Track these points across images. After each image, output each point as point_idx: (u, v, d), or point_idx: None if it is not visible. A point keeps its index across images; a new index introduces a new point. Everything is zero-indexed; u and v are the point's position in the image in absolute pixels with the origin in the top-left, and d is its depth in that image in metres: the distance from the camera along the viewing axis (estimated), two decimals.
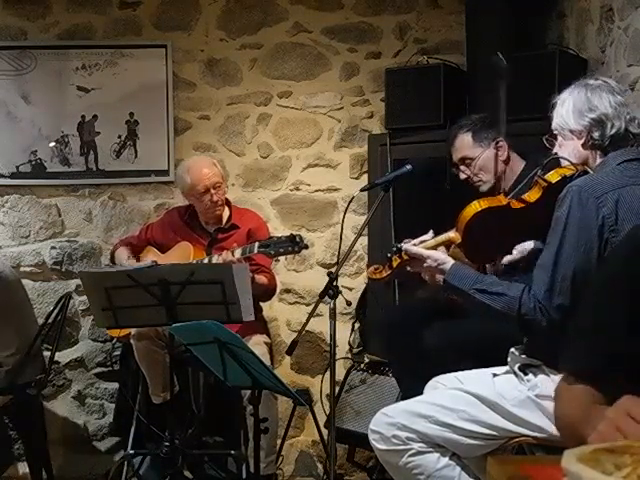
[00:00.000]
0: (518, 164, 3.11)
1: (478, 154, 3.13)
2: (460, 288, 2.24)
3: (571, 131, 2.22)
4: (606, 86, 2.22)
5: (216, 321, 2.52)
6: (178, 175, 3.88)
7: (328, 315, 3.05)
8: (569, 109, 2.22)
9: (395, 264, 2.42)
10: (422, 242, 2.41)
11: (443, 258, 2.30)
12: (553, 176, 2.22)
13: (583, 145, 2.21)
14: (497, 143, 3.12)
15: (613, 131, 2.16)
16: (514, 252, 2.44)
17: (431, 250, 2.34)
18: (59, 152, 4.30)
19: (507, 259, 2.45)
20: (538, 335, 2.16)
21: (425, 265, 2.33)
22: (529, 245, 2.43)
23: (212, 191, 3.68)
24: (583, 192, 2.03)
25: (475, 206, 2.29)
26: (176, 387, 3.36)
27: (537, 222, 2.20)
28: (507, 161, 3.12)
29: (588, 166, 2.22)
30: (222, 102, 4.37)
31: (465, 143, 3.17)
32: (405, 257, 2.38)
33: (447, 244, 2.39)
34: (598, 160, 2.20)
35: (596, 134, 2.18)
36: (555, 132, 2.28)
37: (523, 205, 2.26)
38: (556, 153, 2.29)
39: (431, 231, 2.46)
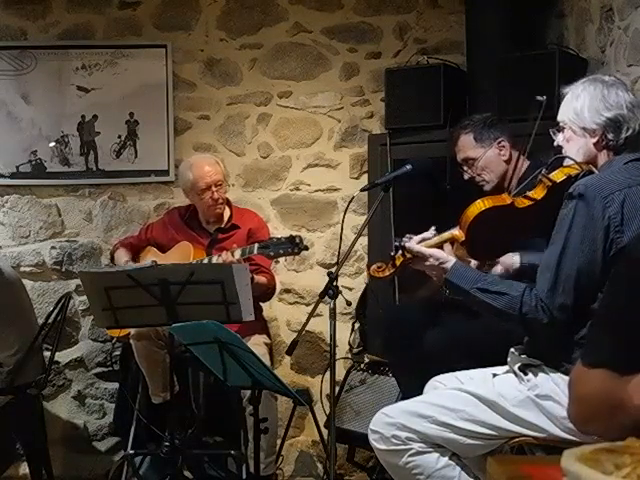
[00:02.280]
0: (522, 163, 3.11)
1: (480, 154, 3.13)
2: (461, 287, 2.24)
3: (584, 128, 2.17)
4: (621, 84, 2.18)
5: (216, 321, 2.53)
6: (180, 172, 3.89)
7: (328, 315, 3.04)
8: (584, 105, 2.16)
9: (398, 262, 2.42)
10: (423, 240, 2.40)
11: (445, 257, 2.30)
12: (558, 175, 2.22)
13: (596, 144, 2.17)
14: (499, 143, 3.12)
15: (628, 133, 2.13)
16: (498, 268, 2.44)
17: (433, 249, 2.34)
18: (59, 152, 4.30)
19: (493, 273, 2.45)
20: (539, 334, 2.15)
21: (427, 264, 2.33)
22: (511, 261, 2.43)
23: (214, 189, 3.69)
24: (590, 191, 2.01)
25: (479, 205, 2.28)
26: (176, 387, 3.36)
27: (541, 221, 2.19)
28: (509, 160, 3.12)
29: (595, 165, 2.19)
30: (222, 102, 4.37)
31: (467, 144, 3.17)
32: (408, 255, 2.38)
33: (450, 242, 2.39)
34: (603, 160, 2.18)
35: (611, 135, 2.14)
36: (563, 125, 2.24)
37: (527, 204, 2.26)
38: (559, 147, 2.26)
39: (433, 227, 2.45)
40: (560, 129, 2.26)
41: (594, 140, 2.17)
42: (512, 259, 2.52)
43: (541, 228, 2.21)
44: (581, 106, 2.17)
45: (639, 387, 1.23)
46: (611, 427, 1.33)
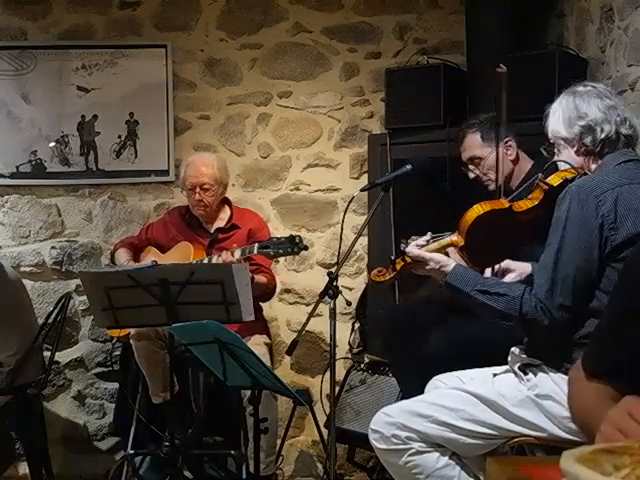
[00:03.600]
0: (526, 163, 3.12)
1: (487, 154, 3.12)
2: (461, 289, 2.24)
3: (564, 139, 2.25)
4: (594, 91, 2.24)
5: (216, 321, 2.53)
6: (180, 167, 3.98)
7: (328, 315, 3.04)
8: (559, 118, 2.25)
9: (399, 267, 2.43)
10: (419, 245, 2.41)
11: (445, 260, 2.31)
12: (554, 179, 2.24)
13: (576, 152, 2.23)
14: (506, 142, 3.11)
15: (603, 135, 2.19)
16: (512, 274, 2.44)
17: (433, 253, 2.35)
18: (59, 152, 4.30)
19: (506, 280, 2.45)
20: (539, 335, 2.16)
21: (427, 268, 2.34)
22: (527, 269, 2.43)
23: (198, 190, 3.71)
24: (582, 191, 2.05)
25: (477, 209, 2.29)
26: (176, 387, 3.36)
27: (539, 225, 2.20)
28: (516, 160, 3.12)
29: (589, 169, 2.23)
30: (222, 102, 4.37)
31: (474, 143, 3.16)
32: (408, 260, 2.39)
33: (450, 247, 2.39)
34: (594, 165, 2.22)
35: (587, 140, 2.20)
36: (551, 140, 2.31)
37: (525, 208, 2.28)
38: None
39: (429, 233, 2.46)
40: (551, 146, 2.30)
41: (574, 149, 2.24)
42: (527, 266, 2.52)
43: (539, 232, 2.22)
44: (557, 120, 2.25)
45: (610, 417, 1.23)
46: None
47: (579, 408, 1.44)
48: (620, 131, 2.19)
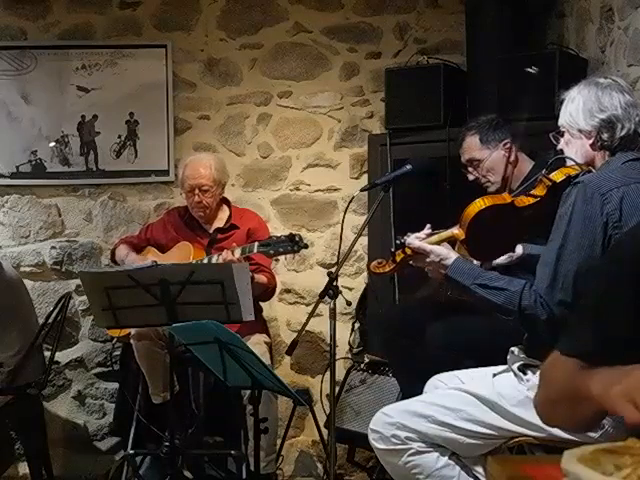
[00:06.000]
0: (526, 165, 3.12)
1: (486, 156, 3.13)
2: (461, 282, 2.24)
3: (580, 130, 2.20)
4: (616, 85, 2.20)
5: (216, 321, 2.53)
6: (179, 167, 3.97)
7: (328, 315, 3.05)
8: (579, 108, 2.19)
9: (399, 259, 2.43)
10: (419, 238, 2.41)
11: (446, 253, 2.31)
12: (557, 175, 2.24)
13: (592, 145, 2.20)
14: (505, 144, 3.12)
15: (623, 133, 2.15)
16: (503, 256, 2.44)
17: (434, 245, 2.35)
18: (59, 152, 4.30)
19: (496, 262, 2.46)
20: (538, 331, 2.16)
21: (428, 260, 2.33)
22: (518, 250, 2.43)
23: (196, 191, 3.71)
24: (588, 188, 2.03)
25: (479, 203, 2.29)
26: (176, 387, 3.36)
27: (541, 220, 2.20)
28: (515, 162, 3.13)
29: (594, 166, 2.22)
30: (222, 102, 4.37)
31: (473, 145, 3.17)
32: (408, 252, 2.39)
33: (450, 240, 2.39)
34: (600, 162, 2.20)
35: (605, 135, 2.16)
36: (562, 129, 2.27)
37: (527, 203, 2.28)
38: (561, 151, 2.28)
39: (428, 225, 2.46)
40: (560, 133, 2.28)
41: (590, 141, 2.20)
42: (515, 248, 2.52)
43: (541, 227, 2.22)
44: (576, 109, 2.20)
45: (599, 378, 1.25)
46: (572, 416, 1.35)
47: (550, 384, 1.45)
48: (638, 130, 2.16)
